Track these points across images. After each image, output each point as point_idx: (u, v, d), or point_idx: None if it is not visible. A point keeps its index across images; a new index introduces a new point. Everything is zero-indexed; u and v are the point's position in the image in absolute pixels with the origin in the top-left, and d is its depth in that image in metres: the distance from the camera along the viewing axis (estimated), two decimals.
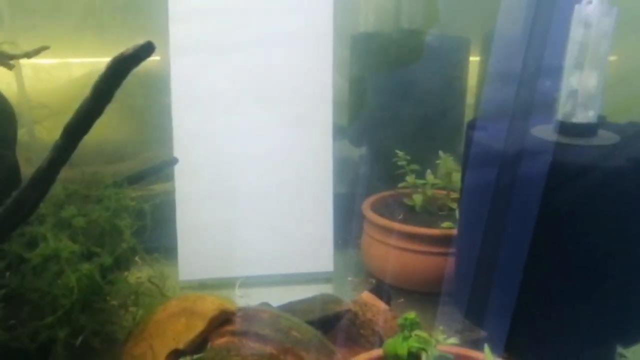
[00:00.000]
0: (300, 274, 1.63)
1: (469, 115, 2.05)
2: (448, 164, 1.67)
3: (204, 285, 1.58)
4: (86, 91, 0.95)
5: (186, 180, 1.58)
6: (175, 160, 1.49)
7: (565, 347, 1.19)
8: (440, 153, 1.68)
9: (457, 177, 1.65)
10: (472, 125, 1.33)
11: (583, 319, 1.18)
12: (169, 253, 1.48)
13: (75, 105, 0.96)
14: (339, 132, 1.89)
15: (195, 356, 1.12)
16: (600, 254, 1.15)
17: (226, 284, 1.57)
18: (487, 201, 1.24)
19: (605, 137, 1.25)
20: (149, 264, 1.30)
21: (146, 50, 0.89)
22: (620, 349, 1.30)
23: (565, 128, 1.24)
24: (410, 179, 1.66)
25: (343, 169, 1.80)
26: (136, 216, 1.34)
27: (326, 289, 1.59)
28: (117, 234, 1.27)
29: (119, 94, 0.95)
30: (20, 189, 1.01)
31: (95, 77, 0.93)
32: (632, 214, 1.14)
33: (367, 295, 1.33)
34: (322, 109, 1.62)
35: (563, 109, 1.24)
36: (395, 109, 1.97)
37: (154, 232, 1.35)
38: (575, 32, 1.20)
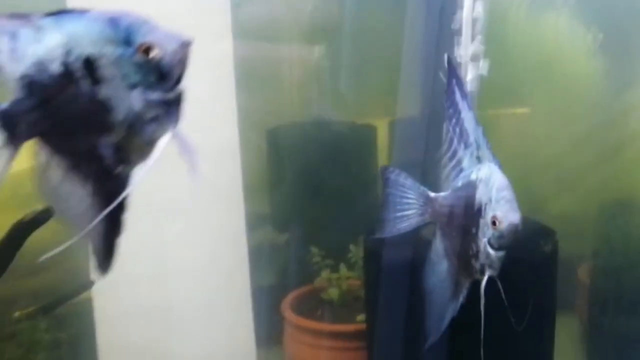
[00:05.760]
0: None
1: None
2: (359, 255, 1.77)
3: None
4: None
5: (104, 298, 1.59)
6: (91, 283, 1.51)
7: None
8: (351, 247, 1.78)
9: None
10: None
11: None
12: None
13: None
14: (258, 219, 1.96)
15: None
16: None
17: None
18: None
19: None
20: None
21: (45, 215, 0.94)
22: None
23: None
24: (325, 274, 1.74)
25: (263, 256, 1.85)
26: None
27: None
28: None
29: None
30: None
31: None
32: None
33: None
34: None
35: None
36: (310, 196, 2.07)
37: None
38: None
